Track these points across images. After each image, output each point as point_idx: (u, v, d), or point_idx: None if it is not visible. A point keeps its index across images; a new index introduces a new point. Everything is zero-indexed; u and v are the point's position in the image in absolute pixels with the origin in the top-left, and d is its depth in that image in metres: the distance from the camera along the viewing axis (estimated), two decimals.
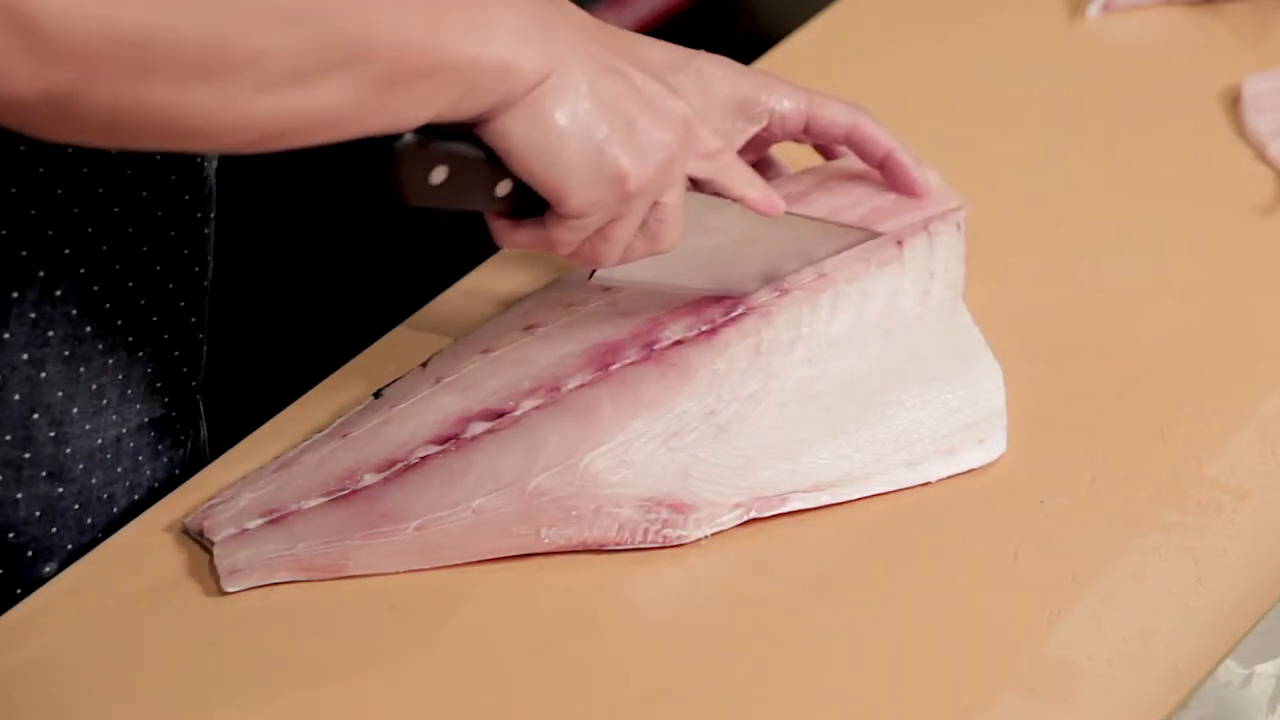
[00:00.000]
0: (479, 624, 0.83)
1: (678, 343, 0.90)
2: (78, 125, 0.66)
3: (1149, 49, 1.14)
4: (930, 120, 1.12)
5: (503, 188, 0.78)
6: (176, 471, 0.94)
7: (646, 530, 0.85)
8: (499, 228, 0.81)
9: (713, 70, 0.93)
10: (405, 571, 0.85)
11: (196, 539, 0.86)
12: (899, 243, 0.95)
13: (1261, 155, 1.09)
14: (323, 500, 0.85)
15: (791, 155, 1.01)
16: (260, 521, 0.85)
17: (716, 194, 0.86)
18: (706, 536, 0.86)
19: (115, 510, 0.91)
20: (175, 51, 0.65)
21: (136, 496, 0.92)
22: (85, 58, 0.63)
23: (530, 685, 0.80)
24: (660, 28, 2.04)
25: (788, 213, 0.89)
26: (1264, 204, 1.05)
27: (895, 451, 0.89)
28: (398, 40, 0.70)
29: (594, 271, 0.85)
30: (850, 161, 1.00)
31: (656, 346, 0.90)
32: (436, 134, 0.75)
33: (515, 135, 0.76)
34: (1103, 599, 0.83)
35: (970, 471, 0.89)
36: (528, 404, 0.88)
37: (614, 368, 0.89)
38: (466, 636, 0.82)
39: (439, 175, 0.76)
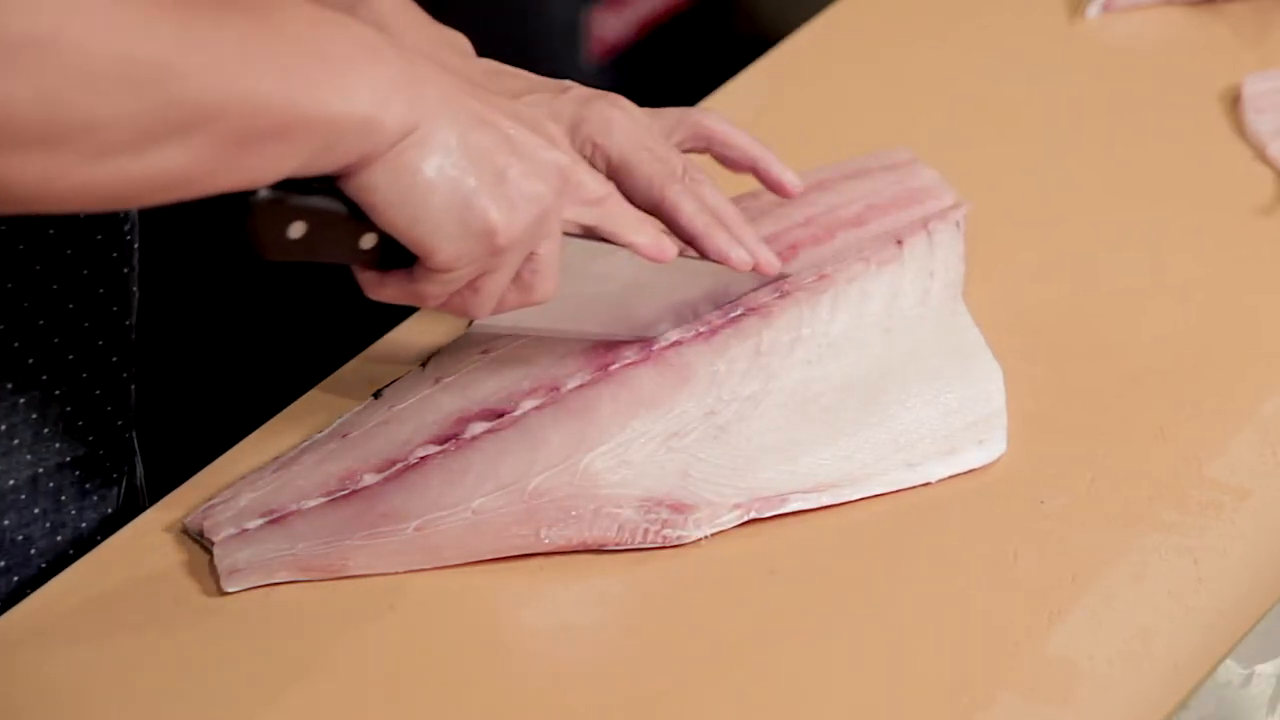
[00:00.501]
0: (479, 624, 0.83)
1: (677, 343, 0.90)
2: None
3: (1149, 49, 1.14)
4: (930, 120, 1.12)
5: (367, 240, 0.76)
6: (109, 511, 0.91)
7: (646, 530, 0.85)
8: (365, 280, 0.78)
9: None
10: (405, 571, 0.85)
11: (196, 539, 0.86)
12: (899, 242, 0.95)
13: (1261, 155, 1.09)
14: (322, 500, 0.85)
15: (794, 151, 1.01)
16: (260, 521, 0.85)
17: (605, 240, 0.83)
18: (706, 537, 0.86)
19: (33, 552, 0.88)
20: (7, 121, 0.63)
21: (60, 538, 0.89)
22: None
23: (530, 685, 0.80)
24: (660, 28, 2.04)
25: (681, 256, 0.87)
26: (1264, 204, 1.05)
27: (895, 452, 0.89)
28: (248, 100, 0.68)
29: (472, 321, 0.82)
30: (851, 162, 1.00)
31: (656, 347, 0.90)
32: (297, 186, 0.73)
33: (379, 189, 0.73)
34: (1103, 599, 0.83)
35: (970, 471, 0.89)
36: (527, 404, 0.88)
37: (613, 368, 0.89)
38: (466, 636, 0.82)
39: (297, 230, 0.74)
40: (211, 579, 0.84)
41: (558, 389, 0.88)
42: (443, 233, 0.75)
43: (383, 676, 0.81)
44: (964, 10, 1.22)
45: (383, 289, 0.78)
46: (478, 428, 0.87)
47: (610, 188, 0.83)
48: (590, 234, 0.83)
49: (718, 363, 0.89)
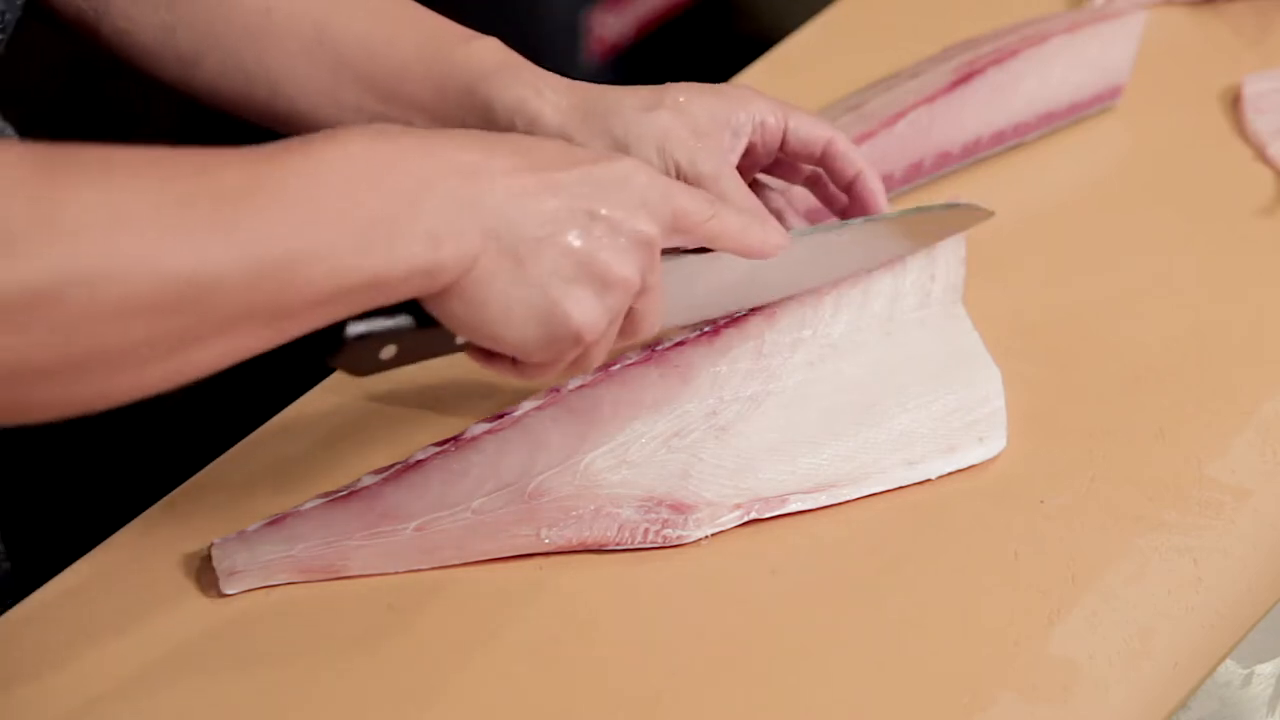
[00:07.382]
0: (479, 624, 0.83)
1: (680, 344, 0.90)
2: None
3: (1149, 49, 1.14)
4: None
5: (461, 338, 0.77)
6: None
7: (646, 530, 0.85)
8: (475, 356, 0.79)
9: (689, 98, 0.88)
10: (405, 571, 0.85)
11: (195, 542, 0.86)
12: None
13: (1261, 155, 1.09)
14: (321, 501, 0.85)
15: None
16: (258, 523, 0.85)
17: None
18: (706, 537, 0.86)
19: None
20: (26, 364, 0.62)
21: None
22: None
23: (530, 685, 0.80)
24: (660, 27, 2.04)
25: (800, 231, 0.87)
26: (1264, 204, 1.05)
27: (894, 451, 0.89)
28: (289, 285, 0.67)
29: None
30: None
31: (659, 348, 0.90)
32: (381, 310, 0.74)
33: (457, 314, 0.74)
34: (1103, 599, 0.83)
35: (970, 470, 0.89)
36: (528, 404, 0.88)
37: (615, 368, 0.89)
38: (466, 636, 0.82)
39: (389, 352, 0.76)
40: (211, 580, 0.84)
41: (558, 389, 0.88)
42: (530, 343, 0.76)
43: (382, 677, 0.81)
44: (964, 10, 1.22)
45: (493, 365, 0.79)
46: (478, 428, 0.87)
47: (712, 209, 0.80)
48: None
49: (720, 363, 0.89)
